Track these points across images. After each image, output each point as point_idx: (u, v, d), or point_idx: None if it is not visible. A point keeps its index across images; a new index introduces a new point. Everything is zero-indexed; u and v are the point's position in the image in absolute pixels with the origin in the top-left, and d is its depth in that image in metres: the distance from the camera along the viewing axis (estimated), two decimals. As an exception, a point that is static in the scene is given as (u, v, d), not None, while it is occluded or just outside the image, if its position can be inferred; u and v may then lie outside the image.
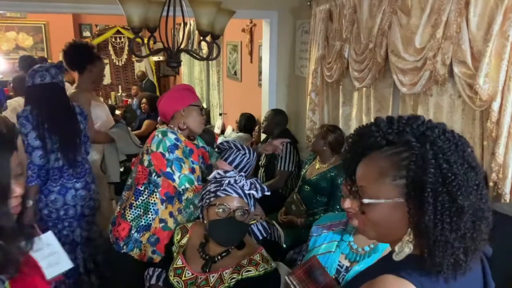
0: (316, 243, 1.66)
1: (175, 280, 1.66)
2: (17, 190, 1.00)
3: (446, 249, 0.79)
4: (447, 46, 1.95)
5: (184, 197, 2.08)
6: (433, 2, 2.03)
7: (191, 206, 2.11)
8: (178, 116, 2.17)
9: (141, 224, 2.13)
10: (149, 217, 2.13)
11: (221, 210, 1.61)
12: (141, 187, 2.14)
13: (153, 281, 1.78)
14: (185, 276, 1.65)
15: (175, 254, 1.77)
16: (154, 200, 2.13)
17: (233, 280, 1.55)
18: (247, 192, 1.64)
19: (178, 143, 2.08)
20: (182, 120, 2.16)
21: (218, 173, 1.70)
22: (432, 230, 0.79)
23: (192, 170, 2.08)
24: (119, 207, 2.24)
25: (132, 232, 2.13)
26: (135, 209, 2.14)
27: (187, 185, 2.03)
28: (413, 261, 0.83)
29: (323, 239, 1.65)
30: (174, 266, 1.70)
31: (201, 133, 3.10)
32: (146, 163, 2.12)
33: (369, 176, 0.87)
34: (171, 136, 2.08)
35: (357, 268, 1.50)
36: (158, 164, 2.06)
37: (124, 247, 2.14)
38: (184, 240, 1.77)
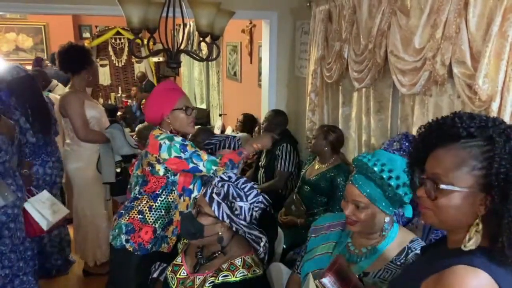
0: (315, 244, 1.66)
1: (170, 275, 1.68)
2: None
3: None
4: (447, 46, 1.95)
5: (217, 176, 2.01)
6: (432, 2, 2.04)
7: None
8: (165, 124, 2.16)
9: (165, 222, 2.16)
10: (172, 213, 2.16)
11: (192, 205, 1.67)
12: (159, 191, 2.15)
13: (155, 275, 1.80)
14: (179, 275, 1.67)
15: (179, 251, 1.80)
16: (173, 198, 2.16)
17: (210, 284, 1.53)
18: (212, 195, 1.60)
19: (186, 142, 2.10)
20: (170, 126, 2.15)
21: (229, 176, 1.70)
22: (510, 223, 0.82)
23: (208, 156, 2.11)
24: (127, 216, 2.16)
25: (158, 232, 2.15)
26: (155, 211, 2.14)
27: (214, 167, 2.06)
28: (483, 253, 0.86)
29: (321, 240, 1.65)
30: (174, 262, 1.73)
31: (200, 133, 3.09)
32: (162, 172, 2.12)
33: (446, 164, 0.90)
34: (178, 139, 2.08)
35: (355, 269, 1.50)
36: (179, 167, 2.08)
37: (153, 247, 2.13)
38: None
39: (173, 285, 1.65)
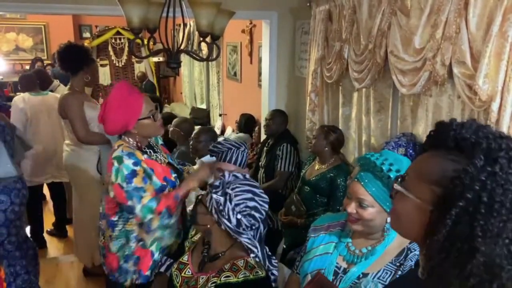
0: (314, 245, 1.66)
1: (175, 273, 1.69)
2: None
3: (440, 279, 0.74)
4: (447, 46, 1.95)
5: (152, 227, 1.93)
6: (433, 2, 2.04)
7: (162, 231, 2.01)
8: (131, 134, 1.97)
9: (126, 253, 2.02)
10: (132, 246, 2.01)
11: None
12: (115, 218, 1.99)
13: (162, 269, 1.81)
14: (185, 273, 1.67)
15: (186, 248, 1.81)
16: (132, 227, 1.99)
17: (212, 284, 1.53)
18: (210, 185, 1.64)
19: (137, 168, 1.88)
20: (136, 137, 1.97)
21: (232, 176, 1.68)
22: (435, 253, 0.75)
23: (158, 190, 1.93)
24: (102, 236, 2.10)
25: (121, 263, 2.02)
26: (116, 240, 2.01)
27: (150, 216, 1.88)
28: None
29: (321, 240, 1.65)
30: (181, 260, 1.73)
31: (202, 133, 3.04)
32: (112, 195, 1.93)
33: (417, 169, 0.84)
34: (128, 163, 1.86)
35: (354, 270, 1.50)
36: (119, 198, 1.89)
37: (121, 278, 2.04)
38: (196, 237, 1.79)
39: (177, 283, 1.66)
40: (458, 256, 0.72)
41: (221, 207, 1.54)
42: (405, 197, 0.82)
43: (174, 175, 2.05)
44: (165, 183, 1.98)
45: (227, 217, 1.54)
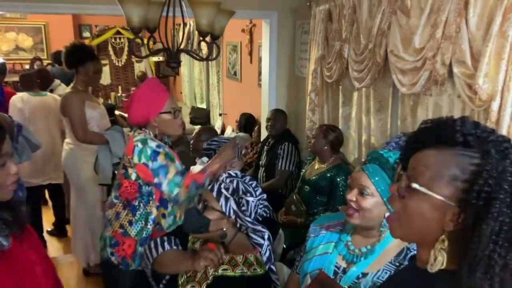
0: (314, 244, 1.66)
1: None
2: (13, 167, 1.14)
3: (488, 271, 0.74)
4: (447, 46, 1.95)
5: (180, 200, 2.00)
6: (433, 2, 2.03)
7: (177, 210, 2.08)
8: (151, 127, 2.06)
9: (143, 236, 2.07)
10: (149, 228, 2.08)
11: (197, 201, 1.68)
12: (135, 202, 2.05)
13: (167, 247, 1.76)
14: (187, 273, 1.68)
15: (189, 243, 1.79)
16: (151, 209, 2.07)
17: (211, 276, 1.55)
18: (220, 189, 1.63)
19: (160, 149, 1.99)
20: (156, 129, 2.06)
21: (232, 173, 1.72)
22: (484, 246, 0.74)
23: (179, 173, 2.00)
24: (110, 228, 2.11)
25: (137, 247, 2.06)
26: (136, 224, 2.06)
27: (176, 190, 1.95)
28: (448, 277, 0.78)
29: (320, 240, 1.65)
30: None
31: (203, 132, 3.05)
32: (134, 177, 2.02)
33: (430, 164, 0.82)
34: (152, 144, 1.98)
35: (354, 269, 1.50)
36: (145, 177, 1.98)
37: (132, 264, 2.06)
38: (197, 245, 1.78)
39: (182, 282, 1.65)
40: (502, 245, 0.74)
41: (243, 207, 1.60)
42: (422, 196, 0.81)
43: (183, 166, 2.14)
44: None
45: (248, 213, 1.62)
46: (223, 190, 1.62)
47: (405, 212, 0.83)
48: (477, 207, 0.75)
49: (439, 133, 0.83)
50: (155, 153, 1.96)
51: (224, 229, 1.63)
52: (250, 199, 1.62)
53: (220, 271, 1.54)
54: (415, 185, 0.81)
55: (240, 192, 1.63)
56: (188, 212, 1.67)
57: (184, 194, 1.98)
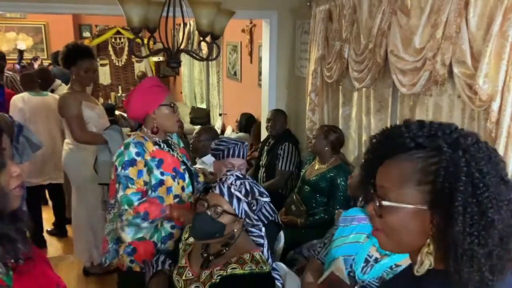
0: (344, 233, 1.74)
1: (176, 278, 1.69)
2: (16, 169, 1.01)
3: (473, 265, 0.74)
4: (447, 46, 1.95)
5: (123, 217, 2.00)
6: (433, 2, 2.03)
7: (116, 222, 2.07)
8: (150, 120, 2.06)
9: (116, 237, 2.08)
10: (143, 228, 2.05)
11: (200, 205, 1.63)
12: (112, 200, 2.07)
13: (159, 268, 1.82)
14: (185, 276, 1.67)
15: (181, 251, 1.80)
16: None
17: (219, 277, 1.55)
18: (232, 191, 1.60)
19: (138, 158, 1.96)
20: (154, 123, 2.05)
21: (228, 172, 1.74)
22: (460, 242, 0.74)
23: (142, 192, 1.97)
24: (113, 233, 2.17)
25: (109, 245, 2.09)
26: (109, 223, 2.10)
27: (126, 207, 1.94)
28: (439, 277, 0.80)
29: (352, 229, 1.73)
30: (179, 264, 1.73)
31: (203, 133, 3.07)
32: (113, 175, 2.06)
33: (393, 178, 0.82)
34: (132, 151, 1.97)
35: (387, 260, 1.59)
36: (114, 178, 2.01)
37: (106, 260, 2.10)
38: (191, 239, 1.78)
39: (180, 287, 1.66)
40: (479, 235, 0.74)
41: (254, 207, 1.64)
42: (395, 210, 0.81)
43: (183, 167, 2.13)
44: (174, 173, 2.06)
45: (256, 215, 1.66)
46: (236, 192, 1.60)
47: (390, 228, 0.84)
48: (443, 205, 0.76)
49: (391, 144, 0.84)
50: (129, 163, 1.95)
51: (235, 230, 1.62)
52: (266, 199, 1.67)
53: (229, 271, 1.55)
54: (385, 203, 0.82)
55: (257, 194, 1.64)
56: (199, 219, 1.61)
57: (130, 216, 1.96)
